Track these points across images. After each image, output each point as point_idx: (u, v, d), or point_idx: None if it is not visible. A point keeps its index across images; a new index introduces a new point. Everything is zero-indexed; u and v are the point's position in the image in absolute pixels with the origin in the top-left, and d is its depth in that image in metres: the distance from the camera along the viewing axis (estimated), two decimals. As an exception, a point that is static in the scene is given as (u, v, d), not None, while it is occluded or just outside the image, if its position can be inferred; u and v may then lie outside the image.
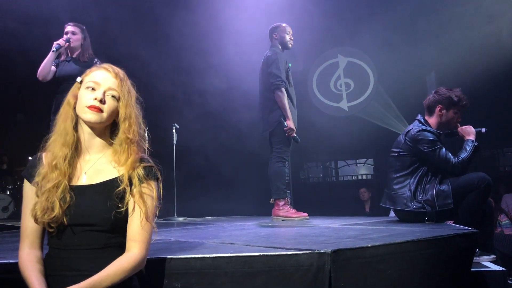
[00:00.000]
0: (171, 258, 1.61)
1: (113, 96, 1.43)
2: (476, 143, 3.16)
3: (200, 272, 1.60)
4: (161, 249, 1.92)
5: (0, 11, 5.43)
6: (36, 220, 1.35)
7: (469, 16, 5.87)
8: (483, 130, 3.26)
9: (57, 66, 3.95)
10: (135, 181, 1.40)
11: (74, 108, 1.44)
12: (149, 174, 1.43)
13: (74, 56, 4.00)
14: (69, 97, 1.47)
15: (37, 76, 3.86)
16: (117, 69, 1.49)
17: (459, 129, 3.26)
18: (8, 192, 7.45)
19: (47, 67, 3.86)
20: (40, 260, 1.39)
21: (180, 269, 1.60)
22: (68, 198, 1.35)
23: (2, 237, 3.17)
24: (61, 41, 3.87)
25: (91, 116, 1.39)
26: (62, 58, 4.00)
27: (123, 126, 1.44)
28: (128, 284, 1.36)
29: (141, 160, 1.46)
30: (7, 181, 7.63)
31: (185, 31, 6.29)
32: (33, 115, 7.07)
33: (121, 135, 1.45)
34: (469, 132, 3.22)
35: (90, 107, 1.39)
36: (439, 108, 3.27)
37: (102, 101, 1.40)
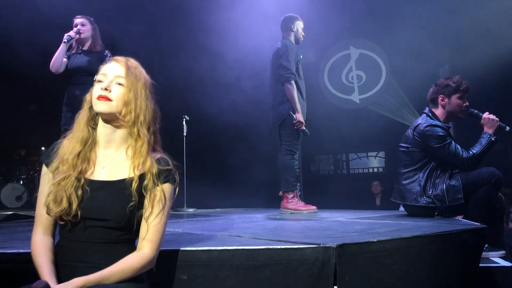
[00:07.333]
0: (178, 250, 1.63)
1: (119, 84, 1.41)
2: (494, 138, 3.08)
3: (206, 264, 1.61)
4: (168, 241, 1.94)
5: (13, 5, 5.48)
6: (48, 212, 1.36)
7: (485, 13, 5.75)
8: (508, 128, 3.16)
9: (68, 58, 3.99)
10: (153, 182, 1.40)
11: (91, 105, 1.44)
12: (167, 176, 1.43)
13: (85, 48, 4.03)
14: (87, 95, 1.47)
15: (50, 68, 3.91)
16: (127, 58, 1.47)
17: (485, 115, 3.15)
18: (21, 182, 7.59)
19: (59, 59, 3.90)
20: (52, 247, 1.41)
21: (186, 261, 1.61)
22: (80, 192, 1.36)
23: (15, 226, 3.23)
24: (71, 33, 3.91)
25: (100, 106, 1.39)
26: (74, 50, 4.04)
27: (124, 112, 1.41)
28: (135, 276, 1.37)
29: (161, 160, 1.45)
30: (21, 170, 7.76)
31: (196, 21, 6.27)
32: (45, 106, 7.16)
33: (127, 123, 1.42)
34: (491, 124, 3.12)
35: (98, 97, 1.39)
36: (440, 98, 3.26)
37: (108, 89, 1.39)
